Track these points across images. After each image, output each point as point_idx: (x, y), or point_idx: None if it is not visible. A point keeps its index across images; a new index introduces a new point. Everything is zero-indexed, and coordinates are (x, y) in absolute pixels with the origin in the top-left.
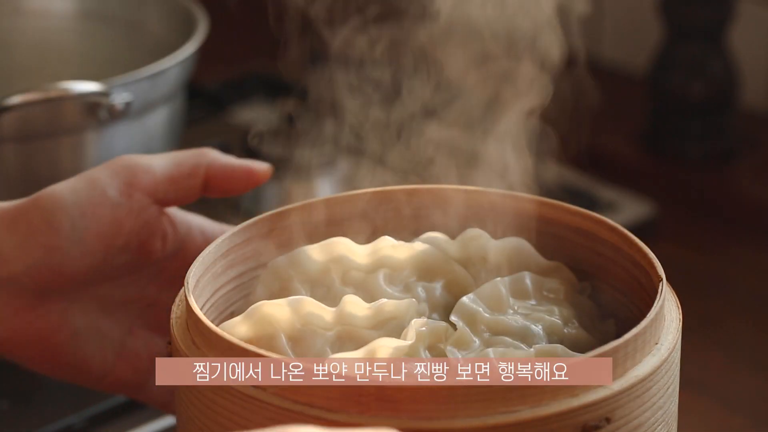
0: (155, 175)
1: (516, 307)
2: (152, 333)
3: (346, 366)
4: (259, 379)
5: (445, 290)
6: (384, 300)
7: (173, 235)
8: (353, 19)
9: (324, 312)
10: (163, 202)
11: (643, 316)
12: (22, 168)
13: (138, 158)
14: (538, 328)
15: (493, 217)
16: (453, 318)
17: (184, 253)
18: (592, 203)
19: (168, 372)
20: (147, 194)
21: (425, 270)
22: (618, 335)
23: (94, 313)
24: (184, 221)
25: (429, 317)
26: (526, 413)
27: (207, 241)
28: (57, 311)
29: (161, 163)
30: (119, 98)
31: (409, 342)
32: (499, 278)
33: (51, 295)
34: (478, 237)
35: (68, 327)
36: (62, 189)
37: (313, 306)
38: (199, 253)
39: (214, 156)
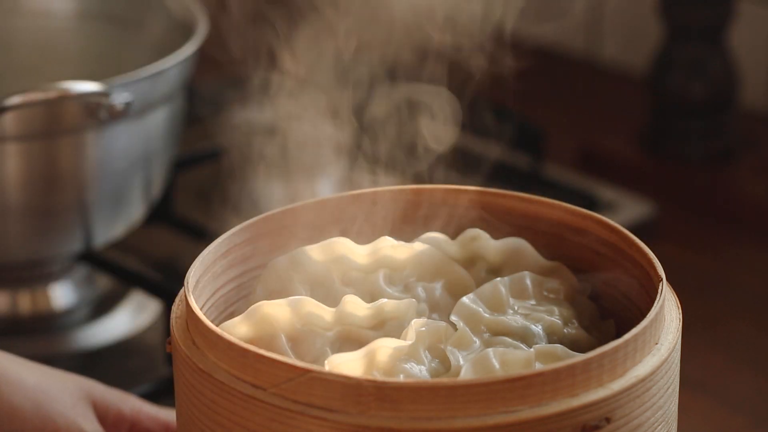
0: None
1: (516, 308)
2: None
3: (346, 366)
4: (259, 379)
5: (445, 290)
6: (384, 300)
7: None
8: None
9: (324, 312)
10: None
11: (643, 316)
12: (22, 168)
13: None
14: (538, 328)
15: (493, 216)
16: (453, 318)
17: None
18: (592, 203)
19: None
20: None
21: (425, 270)
22: (618, 335)
23: None
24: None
25: (429, 317)
26: (526, 413)
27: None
28: None
29: None
30: (119, 98)
31: (409, 342)
32: (499, 278)
33: None
34: (478, 237)
35: None
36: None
37: (313, 306)
38: None
39: None
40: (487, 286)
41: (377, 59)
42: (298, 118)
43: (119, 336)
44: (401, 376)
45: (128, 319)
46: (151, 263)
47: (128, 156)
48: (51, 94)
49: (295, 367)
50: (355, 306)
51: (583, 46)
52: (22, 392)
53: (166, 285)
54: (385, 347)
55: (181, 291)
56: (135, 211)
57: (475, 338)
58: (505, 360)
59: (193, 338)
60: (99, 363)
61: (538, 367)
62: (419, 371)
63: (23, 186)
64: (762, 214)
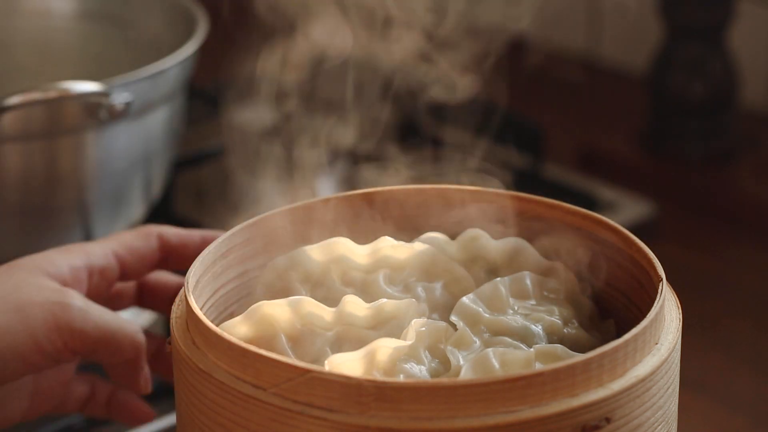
0: (91, 338)
1: (516, 307)
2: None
3: (346, 366)
4: (259, 379)
5: (445, 290)
6: (384, 300)
7: None
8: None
9: (324, 312)
10: (90, 359)
11: (643, 316)
12: (22, 168)
13: (78, 316)
14: (538, 328)
15: (493, 216)
16: (453, 318)
17: None
18: (592, 203)
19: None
20: (79, 352)
21: (425, 270)
22: (618, 335)
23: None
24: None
25: (429, 317)
26: (526, 413)
27: None
28: None
29: (98, 327)
30: (119, 98)
31: (409, 342)
32: (499, 278)
33: None
34: (478, 237)
35: None
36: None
37: (313, 306)
38: None
39: (141, 340)
40: (487, 286)
41: (373, 58)
42: (298, 117)
43: None
44: (401, 376)
45: (128, 319)
46: None
47: (128, 156)
48: (51, 94)
49: (295, 367)
50: (355, 306)
51: (583, 46)
52: None
53: None
54: (385, 347)
55: (181, 291)
56: (135, 211)
57: (475, 338)
58: (505, 360)
59: (193, 338)
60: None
61: (538, 367)
62: (419, 371)
63: (23, 186)
64: (762, 214)
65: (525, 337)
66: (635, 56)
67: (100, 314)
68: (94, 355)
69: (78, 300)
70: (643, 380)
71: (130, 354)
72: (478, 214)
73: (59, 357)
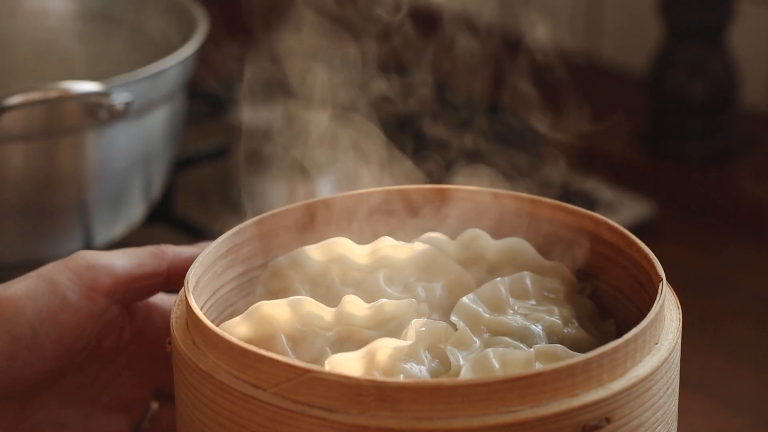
0: (117, 276)
1: (516, 308)
2: (111, 412)
3: (346, 366)
4: (259, 379)
5: (445, 290)
6: (384, 300)
7: (130, 328)
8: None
9: (324, 312)
10: (124, 302)
11: (643, 316)
12: (22, 168)
13: (98, 257)
14: (538, 328)
15: (493, 217)
16: (453, 318)
17: (142, 336)
18: (592, 203)
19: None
20: (108, 296)
21: (425, 270)
22: (618, 335)
23: (52, 406)
24: (143, 307)
25: (429, 317)
26: (526, 413)
27: (167, 321)
28: (14, 410)
29: (122, 263)
30: (119, 98)
31: (409, 342)
32: (499, 278)
33: (8, 398)
34: (478, 237)
35: (27, 422)
36: (21, 294)
37: (313, 306)
38: (159, 333)
39: (175, 252)
40: (487, 286)
41: (379, 56)
42: (298, 116)
43: None
44: (401, 376)
45: None
46: None
47: (128, 156)
48: (51, 94)
49: (295, 367)
50: (355, 306)
51: (583, 46)
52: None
53: None
54: (385, 347)
55: (181, 291)
56: (135, 211)
57: (475, 338)
58: (505, 360)
59: (193, 338)
60: None
61: (538, 367)
62: (419, 371)
63: (23, 186)
64: (762, 214)
65: (525, 337)
66: (635, 56)
67: (113, 252)
68: (126, 290)
69: (87, 251)
70: (643, 380)
71: (161, 267)
72: (478, 213)
73: (89, 306)
